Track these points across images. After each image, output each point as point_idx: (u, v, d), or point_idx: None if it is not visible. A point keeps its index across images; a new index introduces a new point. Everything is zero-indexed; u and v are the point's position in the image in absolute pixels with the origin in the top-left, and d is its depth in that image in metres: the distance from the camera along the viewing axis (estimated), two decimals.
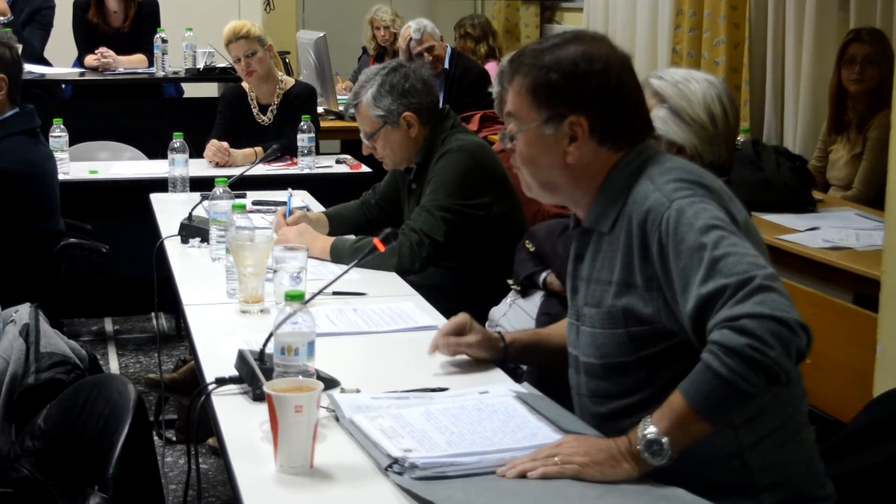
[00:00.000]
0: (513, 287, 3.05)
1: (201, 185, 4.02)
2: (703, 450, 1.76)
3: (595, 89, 1.91)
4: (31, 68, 5.74)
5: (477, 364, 2.29)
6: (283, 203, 3.89)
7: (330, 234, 3.36)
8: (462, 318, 2.31)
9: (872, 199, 4.15)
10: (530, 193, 2.05)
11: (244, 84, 5.02)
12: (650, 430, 1.72)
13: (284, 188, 4.30)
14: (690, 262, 1.75)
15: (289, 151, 4.75)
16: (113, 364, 4.76)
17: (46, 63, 6.25)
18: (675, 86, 2.49)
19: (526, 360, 2.38)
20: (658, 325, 1.85)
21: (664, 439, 1.70)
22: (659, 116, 2.48)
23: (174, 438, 3.89)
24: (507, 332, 2.36)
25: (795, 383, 1.92)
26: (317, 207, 3.93)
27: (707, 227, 1.76)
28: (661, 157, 1.95)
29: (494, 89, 3.40)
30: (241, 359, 2.14)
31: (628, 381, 1.91)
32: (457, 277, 3.30)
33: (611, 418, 1.91)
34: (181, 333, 5.04)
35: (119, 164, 5.04)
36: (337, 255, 3.14)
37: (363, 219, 3.56)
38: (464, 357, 2.30)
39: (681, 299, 1.77)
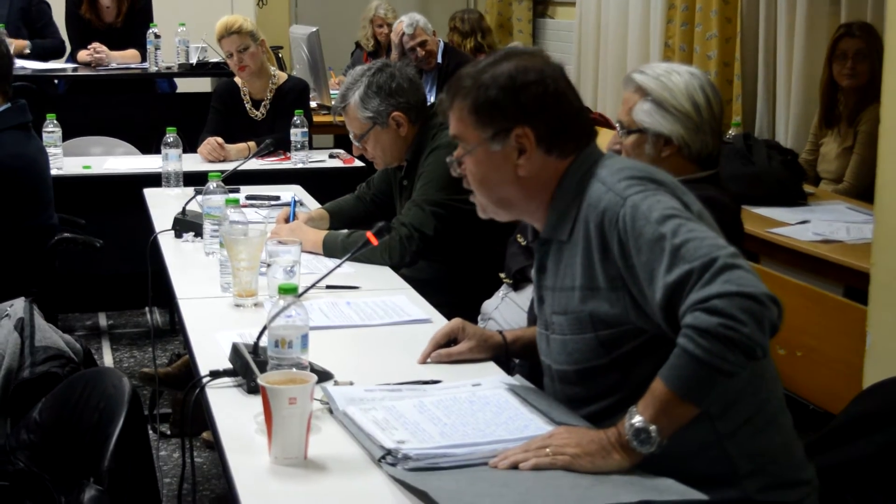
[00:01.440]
0: (505, 281, 3.06)
1: (195, 179, 4.02)
2: (682, 442, 1.77)
3: (534, 98, 1.94)
4: (22, 63, 5.74)
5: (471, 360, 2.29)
6: (277, 197, 3.91)
7: (330, 228, 3.38)
8: (454, 324, 2.32)
9: (863, 193, 4.17)
10: (485, 214, 2.06)
11: (237, 79, 5.02)
12: (636, 419, 1.73)
13: (278, 183, 4.32)
14: (652, 254, 1.77)
15: (282, 146, 4.76)
16: (107, 358, 4.77)
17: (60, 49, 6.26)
18: (657, 79, 2.51)
19: (529, 357, 2.39)
20: (626, 327, 1.87)
21: (651, 427, 1.72)
22: (643, 109, 2.50)
23: (168, 432, 3.90)
24: (509, 331, 2.37)
25: (768, 369, 1.94)
26: (311, 202, 3.94)
27: (663, 217, 1.79)
28: (609, 160, 1.98)
29: None
30: (236, 352, 2.16)
31: (603, 383, 1.93)
32: (448, 271, 3.31)
33: (588, 422, 1.91)
34: (175, 328, 5.04)
35: (112, 159, 5.05)
36: (329, 250, 3.16)
37: (362, 213, 3.57)
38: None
39: (648, 292, 1.79)
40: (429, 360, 2.28)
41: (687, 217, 1.80)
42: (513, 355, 2.35)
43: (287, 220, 3.41)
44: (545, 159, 1.96)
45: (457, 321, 2.33)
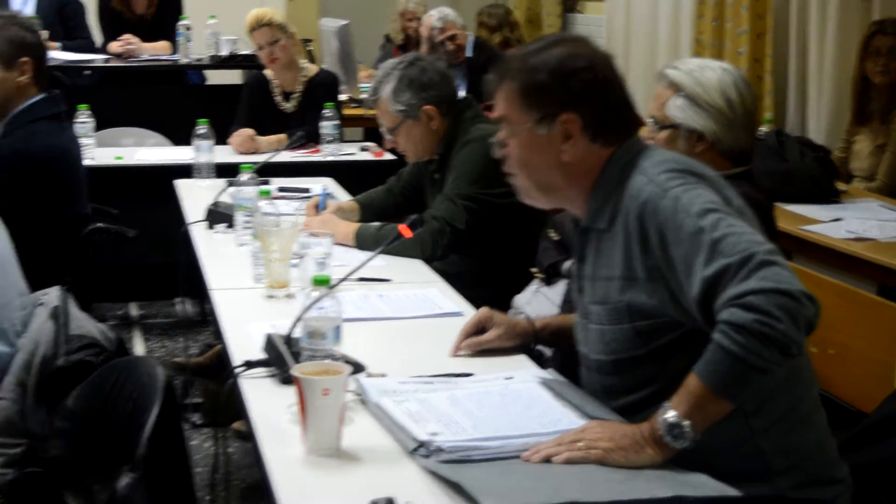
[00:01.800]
0: (537, 275, 3.06)
1: (225, 171, 4.04)
2: (715, 438, 1.77)
3: (583, 85, 1.95)
4: (54, 55, 5.78)
5: (502, 349, 2.30)
6: (307, 190, 3.93)
7: (361, 220, 3.39)
8: (482, 313, 2.33)
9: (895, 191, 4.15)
10: (526, 198, 2.07)
11: (267, 71, 5.04)
12: (670, 414, 1.73)
13: (309, 175, 4.33)
14: (691, 247, 1.78)
15: (312, 139, 4.77)
16: (138, 348, 4.80)
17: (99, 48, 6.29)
18: (690, 74, 2.51)
19: (557, 343, 2.40)
20: (663, 319, 1.87)
21: (685, 422, 1.72)
22: (676, 105, 2.50)
23: (199, 422, 3.92)
24: (538, 318, 2.38)
25: (804, 367, 1.94)
26: (342, 194, 3.95)
27: (703, 211, 1.79)
28: (651, 151, 1.99)
29: None
30: (270, 343, 2.17)
31: (639, 374, 1.93)
32: (480, 265, 3.31)
33: (624, 413, 1.92)
34: (206, 318, 5.06)
35: (144, 150, 5.08)
36: (361, 242, 3.17)
37: (391, 206, 3.58)
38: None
39: (686, 285, 1.79)
40: (460, 350, 2.29)
41: (727, 212, 1.80)
42: (541, 342, 2.36)
43: (317, 210, 3.42)
44: (590, 147, 1.97)
45: (484, 310, 2.34)
